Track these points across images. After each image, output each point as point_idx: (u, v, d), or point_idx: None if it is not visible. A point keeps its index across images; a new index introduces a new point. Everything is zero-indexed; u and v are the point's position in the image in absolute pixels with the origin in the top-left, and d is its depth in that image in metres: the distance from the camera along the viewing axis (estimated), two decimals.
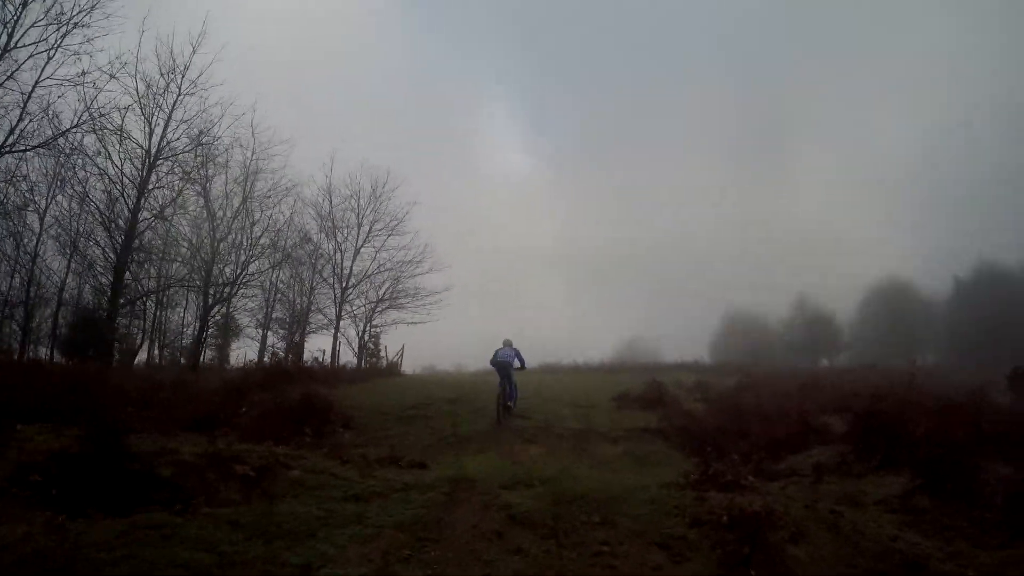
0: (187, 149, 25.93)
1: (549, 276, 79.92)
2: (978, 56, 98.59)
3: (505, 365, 17.89)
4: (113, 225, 25.02)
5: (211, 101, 26.44)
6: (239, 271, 30.20)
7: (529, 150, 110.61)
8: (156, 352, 33.70)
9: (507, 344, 18.63)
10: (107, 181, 24.84)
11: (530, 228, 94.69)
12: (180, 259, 29.38)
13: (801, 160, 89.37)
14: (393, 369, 32.00)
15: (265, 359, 30.59)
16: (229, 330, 33.98)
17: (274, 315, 34.95)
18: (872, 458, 13.51)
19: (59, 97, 22.50)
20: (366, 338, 35.10)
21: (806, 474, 13.01)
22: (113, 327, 25.27)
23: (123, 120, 24.25)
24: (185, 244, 28.90)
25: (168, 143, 25.54)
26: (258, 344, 34.79)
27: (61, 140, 23.13)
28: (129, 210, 24.52)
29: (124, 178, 24.67)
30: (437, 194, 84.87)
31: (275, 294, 34.46)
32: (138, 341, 31.57)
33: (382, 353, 34.39)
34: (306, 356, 31.60)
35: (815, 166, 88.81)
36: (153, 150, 25.03)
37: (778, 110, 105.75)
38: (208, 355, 34.75)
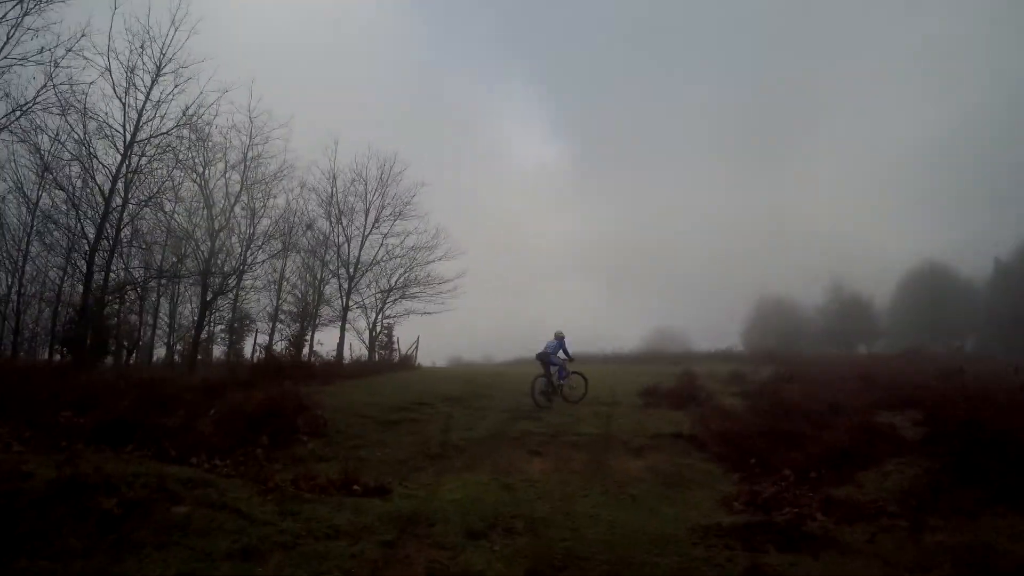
0: (170, 131, 22.40)
1: (576, 268, 77.30)
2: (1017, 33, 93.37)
3: (545, 356, 17.52)
4: (88, 212, 21.77)
5: (202, 84, 23.26)
6: (240, 261, 26.79)
7: (554, 144, 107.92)
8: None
9: (558, 336, 18.01)
10: (80, 166, 21.64)
11: (557, 221, 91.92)
12: (172, 248, 25.97)
13: (832, 143, 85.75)
14: (407, 362, 28.56)
15: (260, 354, 27.07)
16: (234, 324, 30.65)
17: (284, 307, 31.47)
18: (972, 479, 9.68)
19: (32, 79, 20.32)
20: (377, 330, 31.48)
21: (893, 509, 9.08)
22: (101, 322, 21.98)
23: (85, 97, 21.03)
24: (179, 233, 25.48)
25: (149, 123, 22.14)
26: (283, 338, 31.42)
27: (25, 121, 20.05)
28: (103, 196, 21.15)
29: (95, 161, 21.35)
30: (461, 188, 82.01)
31: (283, 285, 31.02)
32: (140, 337, 28.42)
33: (395, 345, 30.83)
34: (310, 349, 28.37)
35: (846, 149, 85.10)
36: (130, 133, 21.60)
37: (807, 92, 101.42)
38: (220, 350, 31.78)
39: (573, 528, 7.92)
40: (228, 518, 7.26)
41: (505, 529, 7.62)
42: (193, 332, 27.85)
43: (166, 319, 31.62)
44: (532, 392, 16.81)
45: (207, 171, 25.44)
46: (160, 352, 32.07)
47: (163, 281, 27.18)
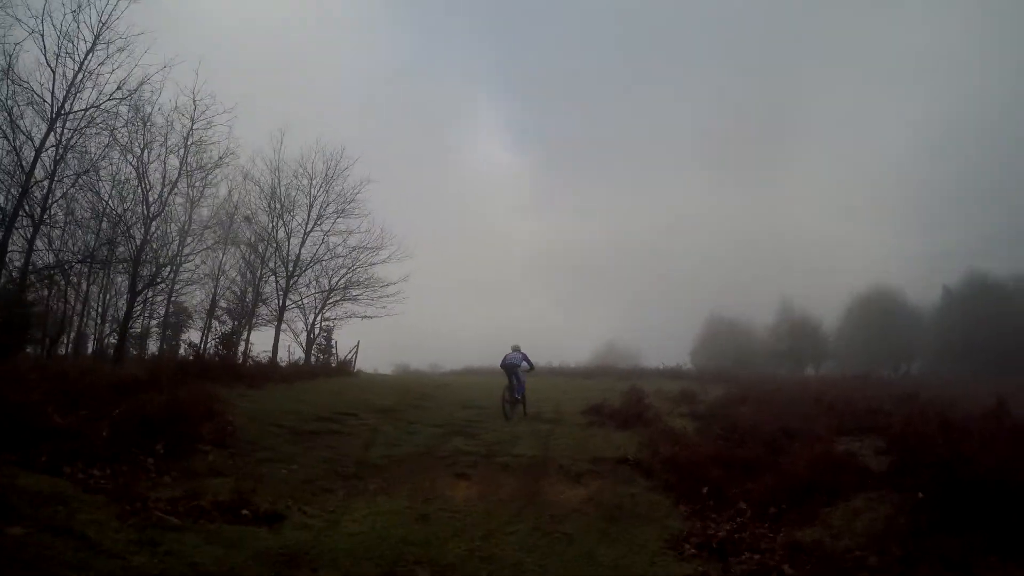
0: (101, 104, 20.23)
1: (532, 279, 76.42)
2: (968, 72, 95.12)
3: (512, 366, 17.25)
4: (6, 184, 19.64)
5: (143, 59, 20.91)
6: (174, 252, 24.72)
7: (515, 155, 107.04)
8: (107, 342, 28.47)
9: (515, 349, 17.84)
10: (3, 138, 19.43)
11: (515, 231, 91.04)
12: (102, 232, 23.71)
13: (789, 170, 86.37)
14: (345, 368, 26.71)
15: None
16: (168, 318, 28.47)
17: (221, 304, 29.29)
18: (954, 522, 8.32)
19: None
20: (316, 332, 29.48)
21: (873, 562, 7.62)
22: (17, 307, 19.77)
23: (10, 60, 18.76)
24: (111, 216, 23.26)
25: (81, 95, 19.94)
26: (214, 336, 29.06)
27: None
28: (23, 170, 19.02)
29: (17, 131, 19.20)
30: (418, 195, 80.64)
31: (221, 280, 28.87)
32: (68, 326, 26.09)
33: (333, 349, 28.91)
34: (245, 350, 26.37)
35: (803, 176, 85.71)
36: (58, 103, 19.48)
37: (768, 119, 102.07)
38: (155, 346, 29.44)
39: (495, 568, 6.40)
40: (69, 546, 5.79)
41: None
42: (120, 325, 25.53)
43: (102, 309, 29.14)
44: (503, 404, 16.51)
45: (146, 154, 23.33)
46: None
47: (93, 266, 24.76)
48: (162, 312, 29.00)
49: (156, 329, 29.74)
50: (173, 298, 28.32)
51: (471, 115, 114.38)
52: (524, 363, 17.54)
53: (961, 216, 71.99)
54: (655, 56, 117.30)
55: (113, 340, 28.36)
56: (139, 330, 28.96)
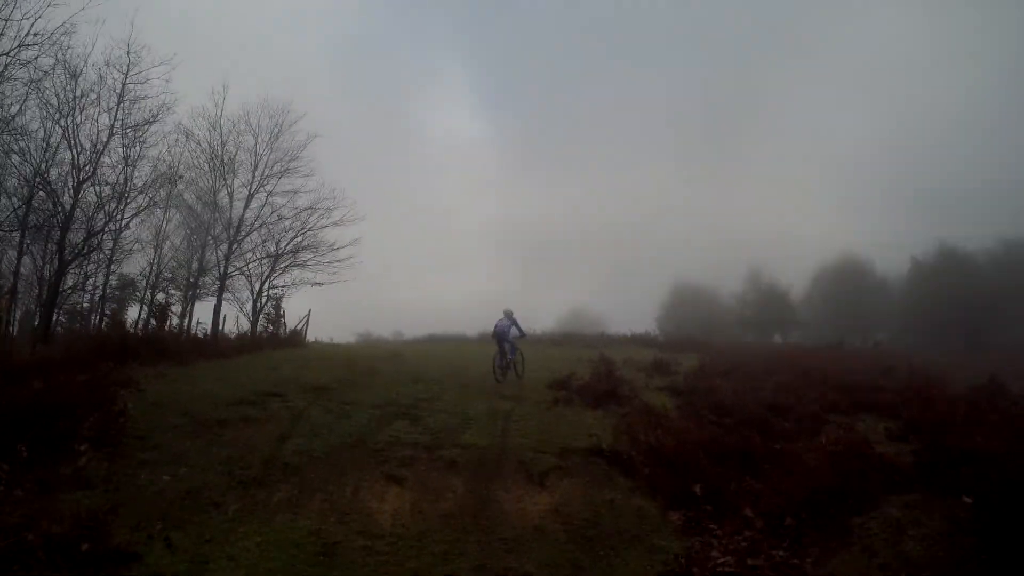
0: (12, 51, 17.01)
1: (496, 246, 74.14)
2: (942, 47, 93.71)
3: (502, 334, 16.62)
4: None
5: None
6: (107, 217, 21.57)
7: (483, 123, 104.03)
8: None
9: (506, 315, 17.09)
10: None
11: (478, 197, 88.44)
12: (28, 200, 20.48)
13: (761, 141, 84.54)
14: (295, 338, 23.88)
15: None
16: (106, 291, 25.31)
17: (164, 275, 26.05)
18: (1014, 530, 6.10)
19: None
20: (263, 301, 26.42)
21: None
22: None
23: None
24: (31, 179, 20.06)
25: None
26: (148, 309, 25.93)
27: None
28: None
29: None
30: (383, 159, 77.54)
31: (164, 248, 25.66)
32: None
33: (282, 319, 25.90)
34: (188, 323, 23.51)
35: (778, 146, 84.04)
36: None
37: (739, 90, 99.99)
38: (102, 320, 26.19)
39: None
40: None
41: None
42: (47, 298, 22.35)
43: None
44: (493, 369, 16.15)
45: (77, 113, 20.20)
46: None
47: (11, 234, 21.57)
48: (111, 284, 25.79)
49: (99, 303, 26.58)
50: (114, 268, 25.12)
51: (438, 84, 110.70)
52: (514, 329, 16.90)
53: (936, 195, 70.38)
54: (629, 33, 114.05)
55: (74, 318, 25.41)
56: (85, 304, 25.90)
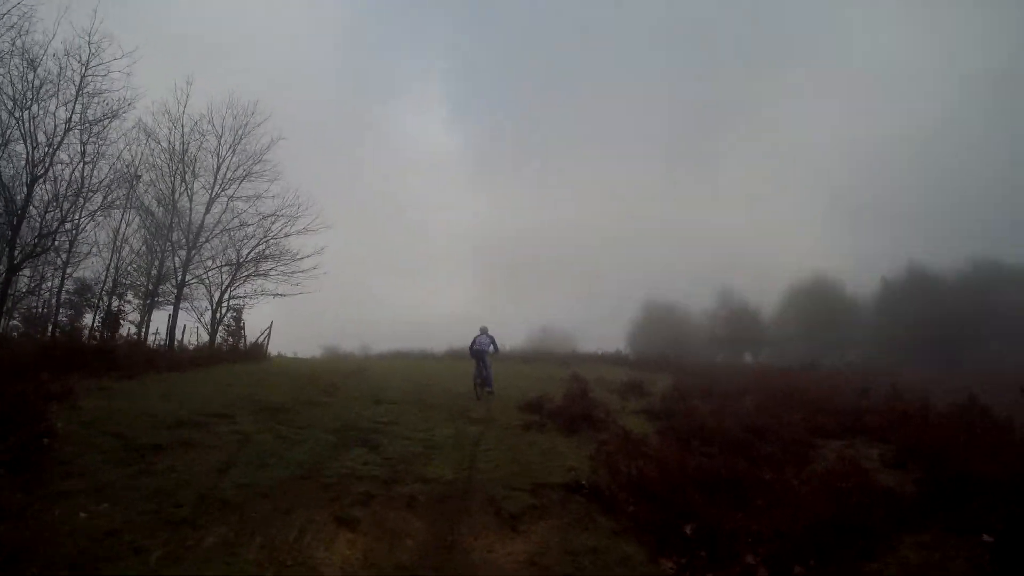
0: None
1: (465, 262, 73.31)
2: (913, 66, 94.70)
3: (481, 353, 16.25)
4: None
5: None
6: (61, 218, 20.12)
7: (454, 135, 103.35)
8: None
9: (483, 331, 16.79)
10: None
11: (448, 211, 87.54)
12: None
13: (732, 161, 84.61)
14: (255, 352, 22.54)
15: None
16: (60, 296, 23.73)
17: (124, 281, 24.48)
18: None
19: None
20: (223, 312, 24.97)
21: None
22: None
23: None
24: None
25: None
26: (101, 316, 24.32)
27: None
28: None
29: None
30: (349, 165, 76.38)
31: (123, 252, 24.14)
32: None
33: (242, 331, 24.50)
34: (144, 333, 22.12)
35: (746, 167, 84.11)
36: None
37: (709, 108, 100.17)
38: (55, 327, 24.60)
39: None
40: None
41: None
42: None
43: None
44: (474, 387, 15.97)
45: (35, 105, 18.85)
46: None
47: None
48: (68, 289, 24.24)
49: (67, 308, 25.02)
50: (70, 272, 23.60)
51: (410, 92, 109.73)
52: (491, 347, 16.56)
53: (906, 215, 70.59)
54: (600, 51, 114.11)
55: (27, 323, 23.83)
56: (42, 309, 24.40)
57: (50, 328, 24.08)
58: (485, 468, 9.01)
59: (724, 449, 10.85)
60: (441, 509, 7.42)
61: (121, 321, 22.39)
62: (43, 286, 24.23)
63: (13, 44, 17.97)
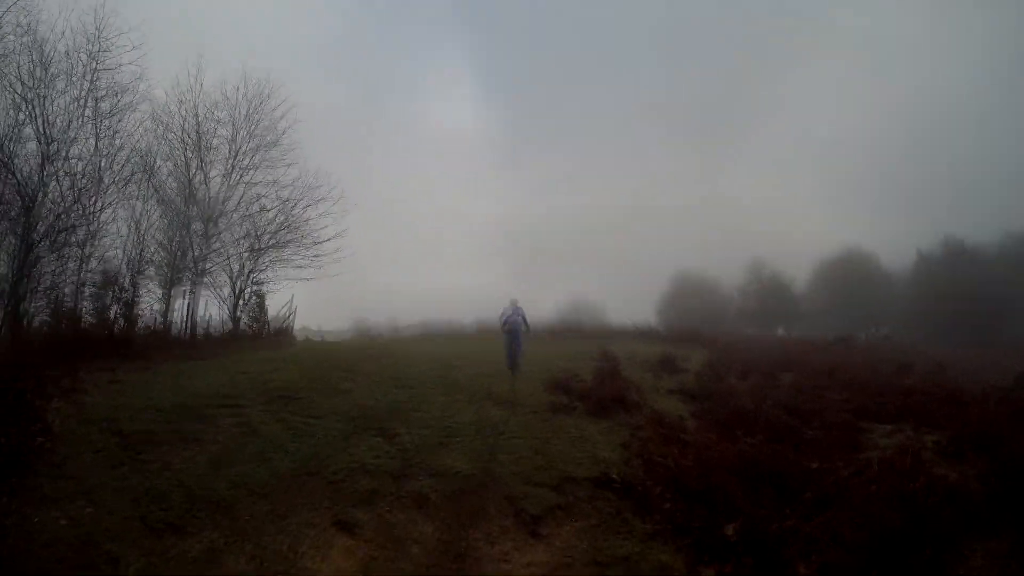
0: None
1: (495, 237, 72.26)
2: (944, 35, 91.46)
3: (515, 332, 15.33)
4: None
5: None
6: (77, 207, 19.48)
7: (484, 113, 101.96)
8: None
9: (513, 303, 15.89)
10: None
11: (478, 188, 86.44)
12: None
13: (763, 132, 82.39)
14: (281, 335, 21.81)
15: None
16: (81, 285, 23.21)
17: (143, 268, 23.80)
18: None
19: None
20: (246, 296, 24.12)
21: None
22: None
23: None
24: None
25: None
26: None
27: None
28: None
29: None
30: (375, 145, 75.36)
31: (144, 239, 23.40)
32: None
33: (265, 316, 23.67)
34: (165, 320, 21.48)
35: (775, 139, 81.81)
36: None
37: (740, 82, 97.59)
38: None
39: None
40: None
41: None
42: (8, 293, 20.34)
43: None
44: (510, 363, 14.98)
45: (46, 87, 18.16)
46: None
47: None
48: (85, 280, 23.72)
49: (88, 299, 24.55)
50: (92, 262, 23.03)
51: (438, 74, 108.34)
52: (524, 325, 15.68)
53: (945, 186, 68.13)
54: (629, 28, 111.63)
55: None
56: (68, 300, 23.99)
57: (65, 321, 23.66)
58: (506, 459, 8.14)
59: (765, 434, 9.94)
60: (454, 509, 6.61)
61: (139, 312, 21.85)
62: (62, 279, 23.76)
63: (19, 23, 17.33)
